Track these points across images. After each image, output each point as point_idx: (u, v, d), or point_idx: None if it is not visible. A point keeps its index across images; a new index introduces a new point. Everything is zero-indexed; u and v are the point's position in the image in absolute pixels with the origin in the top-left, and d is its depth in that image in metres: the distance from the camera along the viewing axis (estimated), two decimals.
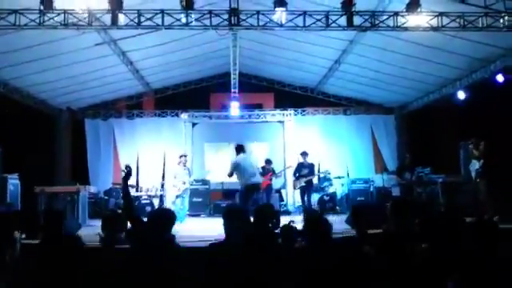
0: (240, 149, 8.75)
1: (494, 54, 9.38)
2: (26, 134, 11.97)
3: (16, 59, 9.38)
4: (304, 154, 10.78)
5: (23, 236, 5.17)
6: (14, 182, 9.75)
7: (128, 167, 4.01)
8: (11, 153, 10.17)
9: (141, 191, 12.94)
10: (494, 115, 9.88)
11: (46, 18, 7.20)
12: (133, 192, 12.84)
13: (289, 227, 4.55)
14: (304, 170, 10.60)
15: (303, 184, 10.51)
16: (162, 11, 7.42)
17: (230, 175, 8.52)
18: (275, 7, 7.45)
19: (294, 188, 11.19)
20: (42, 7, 7.04)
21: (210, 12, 7.50)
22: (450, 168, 11.31)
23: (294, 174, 10.86)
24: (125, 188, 3.95)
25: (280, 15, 7.58)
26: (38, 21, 7.20)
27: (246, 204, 8.06)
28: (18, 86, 11.01)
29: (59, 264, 2.78)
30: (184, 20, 7.41)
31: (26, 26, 7.25)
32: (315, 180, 11.64)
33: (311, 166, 10.71)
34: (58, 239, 3.39)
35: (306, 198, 10.54)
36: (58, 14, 7.20)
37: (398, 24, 7.87)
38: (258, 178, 8.77)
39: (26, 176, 10.04)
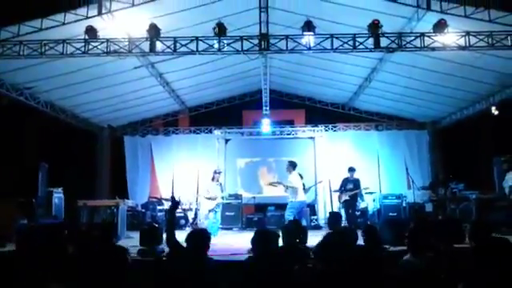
0: (295, 166, 9.53)
1: None
2: (69, 150, 12.73)
3: (62, 82, 10.11)
4: (351, 170, 11.00)
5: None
6: (58, 195, 10.41)
7: (173, 199, 4.34)
8: (55, 168, 10.84)
9: (179, 201, 13.36)
10: None
11: (90, 47, 7.79)
12: (167, 206, 13.35)
13: None
14: (349, 184, 10.83)
15: (347, 198, 10.75)
16: (196, 38, 7.88)
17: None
18: (303, 31, 7.76)
19: (339, 201, 11.37)
20: (86, 36, 7.63)
21: (241, 38, 7.89)
22: (485, 184, 11.18)
23: (340, 189, 11.09)
24: (169, 219, 4.27)
25: (308, 39, 7.88)
26: (82, 49, 7.81)
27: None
28: (63, 106, 11.78)
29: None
30: (216, 46, 7.83)
31: (72, 55, 7.87)
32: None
33: (356, 182, 10.89)
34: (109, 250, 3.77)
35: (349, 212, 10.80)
36: (101, 43, 7.79)
37: (425, 44, 8.00)
38: None
39: (68, 190, 10.67)
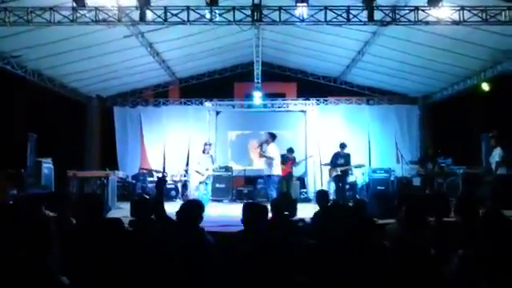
0: (275, 137, 9.52)
1: None
2: (58, 120, 12.58)
3: (49, 51, 9.85)
4: (342, 146, 11.00)
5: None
6: (47, 165, 10.37)
7: (162, 177, 4.39)
8: (44, 139, 10.74)
9: (166, 176, 13.40)
10: None
11: (78, 15, 7.59)
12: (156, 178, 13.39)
13: None
14: (340, 159, 10.85)
15: (339, 173, 10.79)
16: (188, 7, 7.71)
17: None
18: (297, 2, 7.62)
19: (330, 176, 11.41)
20: (74, 4, 7.42)
21: (234, 8, 7.75)
22: (474, 160, 11.34)
23: (330, 163, 11.10)
24: (158, 194, 4.28)
25: (301, 10, 7.76)
26: (70, 17, 7.60)
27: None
28: (51, 76, 11.52)
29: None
30: (208, 16, 7.69)
31: (60, 23, 7.66)
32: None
33: (347, 157, 10.92)
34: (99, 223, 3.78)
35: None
36: (90, 11, 7.58)
37: (419, 18, 7.92)
38: None
39: (57, 161, 10.62)
